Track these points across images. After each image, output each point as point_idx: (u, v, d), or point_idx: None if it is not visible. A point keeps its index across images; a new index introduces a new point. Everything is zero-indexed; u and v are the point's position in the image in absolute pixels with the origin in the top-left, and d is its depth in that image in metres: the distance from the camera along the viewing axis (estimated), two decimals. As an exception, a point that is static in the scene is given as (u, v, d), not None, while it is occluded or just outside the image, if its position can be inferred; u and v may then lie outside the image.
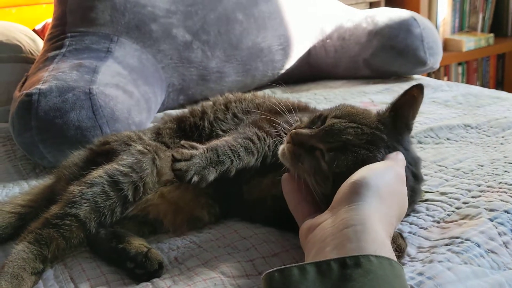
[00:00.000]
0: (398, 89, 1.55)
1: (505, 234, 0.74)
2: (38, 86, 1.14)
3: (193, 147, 0.78)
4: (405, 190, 0.68)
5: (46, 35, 1.49)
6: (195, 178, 0.74)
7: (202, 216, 0.86)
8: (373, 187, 0.61)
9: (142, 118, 1.25)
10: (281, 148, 0.76)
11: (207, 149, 0.78)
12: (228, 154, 0.78)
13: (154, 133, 0.98)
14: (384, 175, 0.64)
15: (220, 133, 0.94)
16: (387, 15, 1.67)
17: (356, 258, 0.51)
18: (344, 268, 0.50)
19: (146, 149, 0.87)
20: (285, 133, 0.78)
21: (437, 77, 2.62)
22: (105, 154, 0.91)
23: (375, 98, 1.46)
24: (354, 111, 0.76)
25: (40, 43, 1.67)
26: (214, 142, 0.80)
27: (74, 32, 1.41)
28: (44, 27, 1.82)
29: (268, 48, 1.63)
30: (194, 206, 0.86)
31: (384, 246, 0.55)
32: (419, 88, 0.74)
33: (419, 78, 1.67)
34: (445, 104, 1.39)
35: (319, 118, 0.76)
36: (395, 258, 0.55)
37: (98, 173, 0.82)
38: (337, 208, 0.60)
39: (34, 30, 1.82)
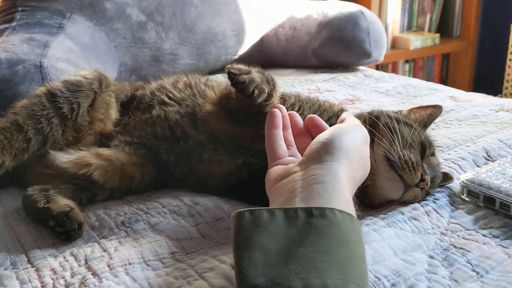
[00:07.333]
0: (343, 78, 1.62)
1: (427, 205, 0.82)
2: (-13, 58, 1.13)
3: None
4: (368, 151, 0.70)
5: (-5, 8, 1.46)
6: (256, 91, 0.76)
7: (133, 173, 0.89)
8: (344, 148, 0.63)
9: (93, 94, 1.26)
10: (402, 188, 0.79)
11: (256, 71, 0.80)
12: (268, 80, 0.81)
13: None
14: (354, 136, 0.66)
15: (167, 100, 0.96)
16: (337, 8, 1.74)
17: (322, 209, 0.54)
18: (310, 217, 0.53)
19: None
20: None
21: (385, 73, 2.73)
22: None
23: (321, 86, 1.53)
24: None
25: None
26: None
27: (25, 7, 1.39)
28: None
29: (222, 34, 1.67)
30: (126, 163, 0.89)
31: (349, 205, 0.58)
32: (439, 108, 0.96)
33: (364, 69, 1.74)
34: (386, 93, 1.47)
35: (422, 147, 0.84)
36: (355, 216, 0.58)
37: (41, 89, 0.90)
38: (307, 164, 0.62)
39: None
